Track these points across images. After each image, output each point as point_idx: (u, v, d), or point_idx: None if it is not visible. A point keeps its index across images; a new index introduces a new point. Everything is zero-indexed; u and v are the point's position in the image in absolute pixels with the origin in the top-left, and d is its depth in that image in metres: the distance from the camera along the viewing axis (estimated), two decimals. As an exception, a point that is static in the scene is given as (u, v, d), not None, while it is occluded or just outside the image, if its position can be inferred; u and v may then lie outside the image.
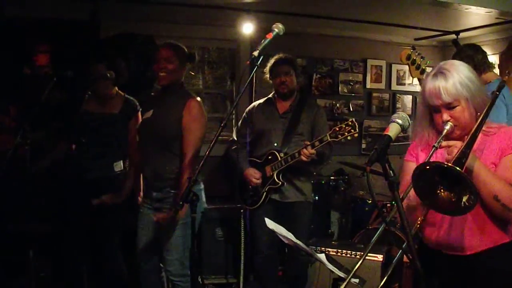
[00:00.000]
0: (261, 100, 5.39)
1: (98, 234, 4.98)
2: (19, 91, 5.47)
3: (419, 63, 4.45)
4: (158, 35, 6.20)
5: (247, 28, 6.59)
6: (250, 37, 6.89)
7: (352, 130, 4.71)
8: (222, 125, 2.97)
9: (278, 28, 3.27)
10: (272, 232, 2.92)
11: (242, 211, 5.18)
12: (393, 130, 2.46)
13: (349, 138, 4.70)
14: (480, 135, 2.67)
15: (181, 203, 3.04)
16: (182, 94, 4.38)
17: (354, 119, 4.79)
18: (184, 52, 4.43)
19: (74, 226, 5.06)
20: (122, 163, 5.02)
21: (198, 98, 4.37)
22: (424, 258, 2.86)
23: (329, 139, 4.68)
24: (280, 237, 2.82)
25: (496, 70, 7.23)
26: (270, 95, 5.34)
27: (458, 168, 2.31)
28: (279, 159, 5.00)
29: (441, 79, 2.69)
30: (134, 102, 5.09)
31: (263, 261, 5.27)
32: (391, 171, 2.27)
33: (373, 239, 2.88)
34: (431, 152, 2.59)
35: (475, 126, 2.58)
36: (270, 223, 2.87)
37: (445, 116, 2.69)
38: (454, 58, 4.89)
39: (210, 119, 7.35)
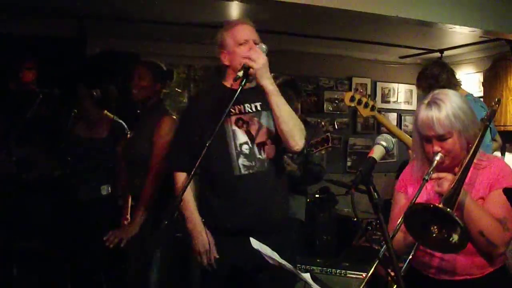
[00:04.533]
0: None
1: (84, 256, 4.95)
2: (4, 107, 5.44)
3: (366, 101, 4.46)
4: (144, 52, 6.21)
5: (233, 46, 6.62)
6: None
7: (325, 144, 4.71)
8: (208, 144, 2.95)
9: (261, 48, 3.26)
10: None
11: None
12: (377, 152, 2.46)
13: (323, 152, 4.70)
14: (471, 169, 2.67)
15: (166, 222, 3.00)
16: (157, 112, 4.32)
17: (329, 134, 4.79)
18: (160, 70, 4.41)
19: (61, 245, 5.04)
20: (109, 187, 5.00)
21: (174, 116, 4.30)
22: (412, 280, 2.88)
23: (304, 153, 4.66)
24: (265, 257, 2.79)
25: (480, 88, 7.32)
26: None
27: (449, 210, 2.33)
28: None
29: (435, 109, 2.66)
30: (122, 125, 5.04)
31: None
32: (375, 193, 2.28)
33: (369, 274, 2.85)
34: (421, 185, 2.58)
35: (467, 161, 2.57)
36: (255, 243, 2.84)
37: (436, 147, 2.68)
38: (419, 76, 4.90)
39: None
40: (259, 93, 3.35)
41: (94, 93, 4.86)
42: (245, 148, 3.46)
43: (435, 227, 2.44)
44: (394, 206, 3.03)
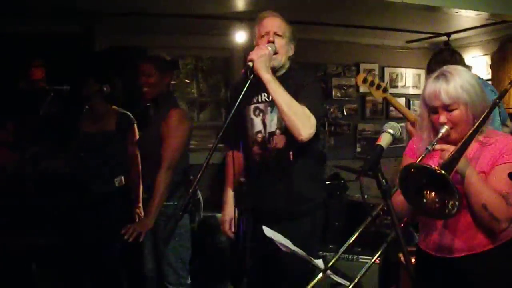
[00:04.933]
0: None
1: (99, 247, 5.00)
2: (15, 106, 5.49)
3: (378, 83, 4.47)
4: (152, 46, 6.24)
5: (240, 36, 6.66)
6: (244, 45, 6.94)
7: None
8: (218, 136, 2.99)
9: (269, 45, 3.33)
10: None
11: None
12: (384, 139, 2.49)
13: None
14: (477, 145, 2.69)
15: (180, 213, 3.06)
16: (166, 105, 4.29)
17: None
18: (164, 62, 4.39)
19: (76, 240, 5.09)
20: (122, 178, 5.05)
21: (183, 108, 4.31)
22: (419, 261, 2.93)
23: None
24: (278, 244, 2.84)
25: (488, 70, 7.32)
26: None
27: (443, 172, 2.33)
28: None
29: (442, 81, 2.68)
30: (128, 115, 5.08)
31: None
32: (383, 180, 2.32)
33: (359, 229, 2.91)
34: (423, 154, 2.57)
35: (470, 132, 2.56)
36: (268, 231, 2.89)
37: (442, 118, 2.68)
38: (430, 62, 4.90)
39: (205, 127, 7.45)
40: (281, 83, 3.38)
41: (104, 89, 4.91)
42: (259, 137, 3.57)
43: (430, 192, 2.46)
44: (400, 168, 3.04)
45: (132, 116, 5.08)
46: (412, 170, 2.44)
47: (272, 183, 3.54)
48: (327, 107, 7.86)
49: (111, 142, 4.98)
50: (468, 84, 2.67)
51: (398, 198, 2.61)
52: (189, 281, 4.37)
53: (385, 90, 4.52)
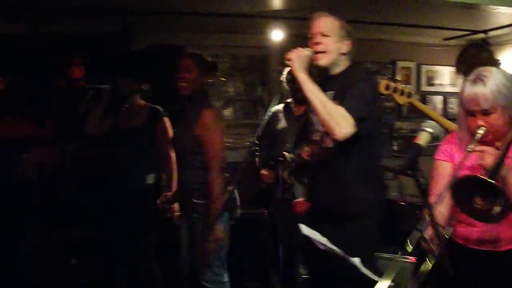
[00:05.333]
0: (280, 105, 5.47)
1: (133, 243, 5.07)
2: (55, 104, 5.58)
3: (401, 88, 4.45)
4: (189, 44, 6.27)
5: (277, 35, 6.67)
6: (280, 44, 6.96)
7: None
8: (256, 135, 3.06)
9: (310, 51, 3.40)
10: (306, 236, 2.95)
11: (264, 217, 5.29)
12: (423, 138, 2.51)
13: None
14: None
15: (221, 212, 3.09)
16: (200, 105, 4.35)
17: None
18: (205, 62, 4.46)
19: (113, 235, 5.17)
20: (154, 176, 5.11)
21: (214, 108, 4.41)
22: (453, 255, 2.94)
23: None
24: (316, 242, 2.86)
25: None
26: (288, 100, 5.42)
27: (493, 182, 2.40)
28: (288, 159, 5.08)
29: (479, 85, 2.73)
30: (158, 109, 5.15)
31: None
32: (422, 179, 2.33)
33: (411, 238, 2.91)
34: (464, 156, 2.66)
35: (511, 135, 2.67)
36: (305, 229, 2.90)
37: (480, 121, 2.74)
38: (459, 60, 4.86)
39: (241, 125, 7.48)
40: (336, 81, 3.52)
41: (143, 87, 4.97)
42: (316, 136, 3.65)
43: (479, 198, 2.51)
44: (437, 177, 3.07)
45: (162, 110, 5.14)
46: (461, 180, 2.53)
47: (325, 182, 3.61)
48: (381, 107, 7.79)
49: (141, 136, 5.06)
50: (504, 87, 2.74)
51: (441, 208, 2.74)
52: (226, 279, 4.40)
53: (409, 95, 4.51)
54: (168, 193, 4.72)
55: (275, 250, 5.33)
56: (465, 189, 2.51)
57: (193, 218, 4.29)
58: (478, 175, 2.52)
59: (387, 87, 4.48)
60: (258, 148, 5.38)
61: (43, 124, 5.44)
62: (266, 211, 5.34)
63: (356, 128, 3.21)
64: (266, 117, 5.38)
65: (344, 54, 3.56)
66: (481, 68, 2.86)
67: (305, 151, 4.64)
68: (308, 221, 3.64)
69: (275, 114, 5.37)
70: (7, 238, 4.97)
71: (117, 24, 5.97)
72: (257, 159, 5.36)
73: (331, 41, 3.49)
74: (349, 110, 3.22)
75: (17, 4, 5.24)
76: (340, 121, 3.20)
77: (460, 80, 5.03)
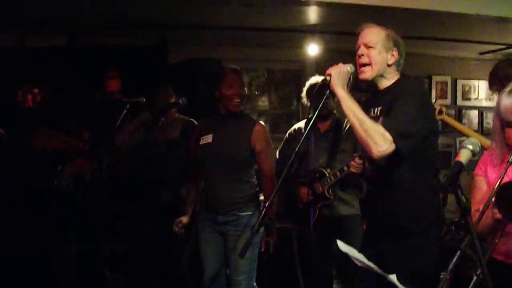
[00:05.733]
0: (302, 122, 5.43)
1: (167, 256, 5.10)
2: (92, 116, 5.64)
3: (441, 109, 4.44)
4: (224, 58, 6.31)
5: (312, 49, 6.69)
6: (315, 58, 6.97)
7: None
8: (296, 150, 3.07)
9: (348, 66, 3.34)
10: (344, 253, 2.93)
11: (292, 232, 5.26)
12: (464, 156, 2.50)
13: None
14: None
15: (257, 226, 3.08)
16: (245, 118, 4.43)
17: None
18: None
19: (147, 248, 5.20)
20: (188, 188, 5.11)
21: (262, 122, 4.48)
22: (493, 272, 2.92)
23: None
24: (353, 259, 2.84)
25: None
26: (309, 116, 5.38)
27: None
28: (328, 175, 5.04)
29: None
30: (193, 122, 5.16)
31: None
32: (463, 196, 2.31)
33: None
34: (505, 168, 2.68)
35: None
36: (343, 246, 2.88)
37: None
38: (492, 79, 4.80)
39: (275, 139, 7.48)
40: (384, 96, 3.44)
41: (180, 102, 5.00)
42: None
43: None
44: (474, 190, 3.09)
45: (195, 122, 5.15)
46: (506, 188, 2.55)
47: (379, 199, 3.54)
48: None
49: (176, 148, 5.06)
50: None
51: (482, 221, 2.73)
52: None
53: (440, 112, 4.49)
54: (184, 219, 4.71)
55: (310, 266, 5.30)
56: (509, 197, 2.52)
57: (230, 231, 4.30)
58: None
59: (440, 112, 4.47)
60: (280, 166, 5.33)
61: (80, 137, 5.50)
62: (292, 230, 5.32)
63: (396, 145, 3.13)
64: (287, 135, 5.41)
65: (390, 65, 3.45)
66: None
67: (353, 165, 4.62)
68: (366, 237, 3.68)
69: (299, 130, 5.36)
70: (44, 249, 5.03)
71: (153, 38, 6.04)
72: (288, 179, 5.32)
73: (375, 53, 3.39)
74: (389, 127, 3.13)
75: (57, 17, 5.32)
76: (377, 139, 3.11)
77: (495, 95, 4.99)
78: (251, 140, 4.31)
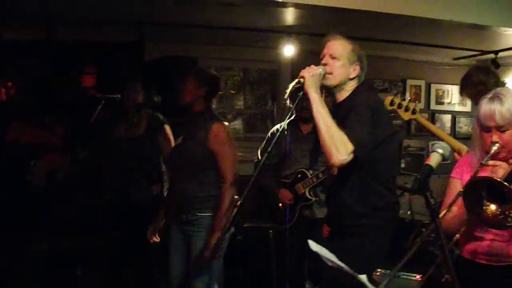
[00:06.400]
0: (284, 122, 5.45)
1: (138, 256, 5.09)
2: (66, 112, 5.60)
3: (406, 104, 4.48)
4: (201, 56, 6.32)
5: (288, 50, 6.71)
6: (291, 59, 7.00)
7: None
8: (268, 151, 3.08)
9: (319, 67, 3.38)
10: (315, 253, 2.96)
11: (271, 231, 5.29)
12: (434, 159, 2.56)
13: None
14: None
15: (228, 226, 3.10)
16: (208, 118, 4.33)
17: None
18: (204, 75, 4.47)
19: (118, 245, 5.18)
20: (159, 187, 5.13)
21: (226, 123, 4.39)
22: (460, 270, 3.00)
23: None
24: (324, 259, 2.87)
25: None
26: (292, 118, 5.39)
27: (506, 184, 2.50)
28: (310, 176, 5.09)
29: (497, 103, 2.84)
30: (158, 116, 5.16)
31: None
32: (432, 199, 2.36)
33: (407, 255, 2.95)
34: (477, 169, 2.77)
35: None
36: (314, 245, 2.90)
37: (495, 137, 2.83)
38: (465, 84, 4.87)
39: (250, 139, 7.50)
40: (340, 109, 3.50)
41: (155, 99, 4.99)
42: None
43: (490, 204, 2.60)
44: (448, 192, 3.16)
45: (162, 118, 5.16)
46: (474, 182, 2.61)
47: (334, 201, 3.66)
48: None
49: (142, 146, 5.05)
50: None
51: (449, 216, 2.82)
52: None
53: (413, 111, 4.54)
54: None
55: (285, 265, 5.34)
56: (476, 194, 2.59)
57: (192, 232, 4.28)
58: (494, 177, 2.62)
59: (392, 103, 4.51)
60: (269, 167, 5.34)
61: (54, 132, 5.46)
62: (271, 230, 5.35)
63: (354, 154, 3.20)
64: (270, 134, 5.41)
65: (352, 79, 3.52)
66: (499, 89, 2.99)
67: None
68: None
69: (278, 131, 5.37)
70: (14, 245, 4.99)
71: (130, 34, 6.02)
72: (270, 181, 5.34)
73: (339, 64, 3.46)
74: (348, 136, 3.19)
75: (34, 11, 5.28)
76: (339, 147, 3.17)
77: (468, 101, 5.06)
78: (208, 140, 4.21)
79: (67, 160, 5.15)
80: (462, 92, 4.89)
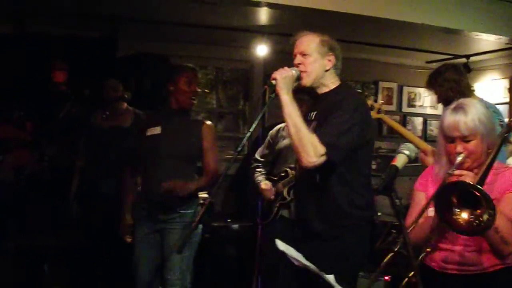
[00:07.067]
0: (283, 124, 5.46)
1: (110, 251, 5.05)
2: (36, 107, 5.55)
3: (371, 104, 4.54)
4: (174, 54, 6.30)
5: (261, 49, 6.72)
6: (264, 58, 7.01)
7: None
8: (238, 149, 3.07)
9: (292, 69, 3.36)
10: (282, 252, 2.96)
11: (259, 227, 5.29)
12: (400, 160, 2.57)
13: None
14: (491, 172, 2.79)
15: (195, 223, 3.08)
16: (193, 116, 4.51)
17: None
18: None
19: (90, 241, 5.14)
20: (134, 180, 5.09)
21: (209, 121, 4.51)
22: (427, 279, 3.02)
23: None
24: (291, 258, 2.87)
25: (505, 94, 7.33)
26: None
27: (479, 187, 2.50)
28: (291, 175, 5.09)
29: (461, 113, 2.84)
30: (143, 115, 5.15)
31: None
32: (397, 200, 2.37)
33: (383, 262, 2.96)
34: (444, 178, 2.78)
35: (488, 162, 2.73)
36: (280, 244, 2.90)
37: (459, 147, 2.83)
38: (437, 79, 4.84)
39: (222, 138, 7.50)
40: (321, 102, 3.49)
41: (126, 96, 4.98)
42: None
43: (461, 210, 2.58)
44: (413, 205, 3.15)
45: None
46: (445, 189, 2.61)
47: (305, 203, 3.59)
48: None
49: (126, 138, 4.96)
50: (484, 117, 2.87)
51: (415, 229, 2.85)
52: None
53: (379, 111, 4.57)
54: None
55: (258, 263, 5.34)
56: (448, 200, 2.58)
57: (170, 229, 4.25)
58: (467, 181, 2.62)
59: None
60: (260, 164, 5.40)
61: (23, 127, 5.40)
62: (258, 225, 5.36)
63: (328, 156, 3.18)
64: (268, 137, 5.39)
65: (328, 70, 3.47)
66: (461, 100, 2.98)
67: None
68: (294, 238, 3.69)
69: (278, 131, 5.38)
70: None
71: (103, 30, 5.98)
72: (256, 175, 5.35)
73: (311, 60, 3.41)
74: (323, 137, 3.18)
75: (3, 4, 5.22)
76: (309, 150, 3.15)
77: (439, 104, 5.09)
78: (201, 137, 4.35)
79: (36, 156, 5.10)
80: (430, 87, 4.85)
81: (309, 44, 3.45)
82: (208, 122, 4.48)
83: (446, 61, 7.74)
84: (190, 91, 4.29)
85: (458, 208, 2.58)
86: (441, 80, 4.74)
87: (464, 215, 2.57)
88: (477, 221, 2.53)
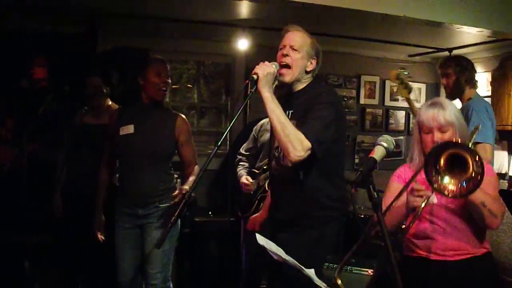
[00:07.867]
0: (267, 119, 5.46)
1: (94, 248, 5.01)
2: (16, 104, 5.51)
3: (407, 83, 4.57)
4: (155, 49, 6.28)
5: (242, 44, 6.70)
6: (245, 53, 7.00)
7: None
8: (218, 145, 3.05)
9: (273, 64, 3.36)
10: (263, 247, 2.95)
11: (242, 221, 5.29)
12: (378, 153, 2.57)
13: None
14: None
15: (174, 218, 3.07)
16: (166, 110, 4.49)
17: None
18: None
19: (71, 239, 5.10)
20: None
21: (183, 115, 4.49)
22: (409, 268, 3.05)
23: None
24: (270, 253, 2.86)
25: (488, 87, 7.35)
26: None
27: (468, 146, 2.72)
28: None
29: (439, 107, 3.09)
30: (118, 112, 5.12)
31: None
32: (375, 192, 2.36)
33: (353, 248, 3.02)
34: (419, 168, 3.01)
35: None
36: (260, 239, 2.90)
37: (437, 136, 3.05)
38: (450, 60, 4.98)
39: (204, 133, 7.48)
40: (296, 99, 3.54)
41: (104, 91, 4.95)
42: (277, 152, 3.65)
43: (449, 173, 2.72)
44: (388, 194, 3.29)
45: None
46: (436, 151, 2.74)
47: (284, 195, 3.65)
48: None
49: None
50: (458, 113, 3.15)
51: (390, 214, 2.95)
52: (171, 286, 4.46)
53: (410, 92, 4.67)
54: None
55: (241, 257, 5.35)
56: (436, 163, 2.72)
57: (149, 224, 4.27)
58: (458, 141, 2.81)
59: (398, 77, 4.63)
60: (244, 158, 5.43)
61: (2, 124, 5.36)
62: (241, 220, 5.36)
63: (312, 151, 3.24)
64: (253, 132, 5.39)
65: (308, 72, 3.55)
66: (436, 98, 3.27)
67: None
68: (269, 231, 3.72)
69: (262, 125, 5.37)
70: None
71: (83, 25, 5.94)
72: (239, 168, 5.35)
73: (299, 56, 3.47)
74: (306, 134, 3.23)
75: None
76: (295, 145, 3.21)
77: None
78: (174, 132, 4.33)
79: (15, 152, 5.06)
80: (449, 67, 4.96)
81: (302, 41, 3.52)
82: (181, 115, 4.45)
83: (429, 62, 7.84)
84: (160, 82, 4.27)
85: (446, 173, 2.71)
86: (455, 63, 4.85)
87: (452, 178, 2.70)
88: (465, 183, 2.66)
